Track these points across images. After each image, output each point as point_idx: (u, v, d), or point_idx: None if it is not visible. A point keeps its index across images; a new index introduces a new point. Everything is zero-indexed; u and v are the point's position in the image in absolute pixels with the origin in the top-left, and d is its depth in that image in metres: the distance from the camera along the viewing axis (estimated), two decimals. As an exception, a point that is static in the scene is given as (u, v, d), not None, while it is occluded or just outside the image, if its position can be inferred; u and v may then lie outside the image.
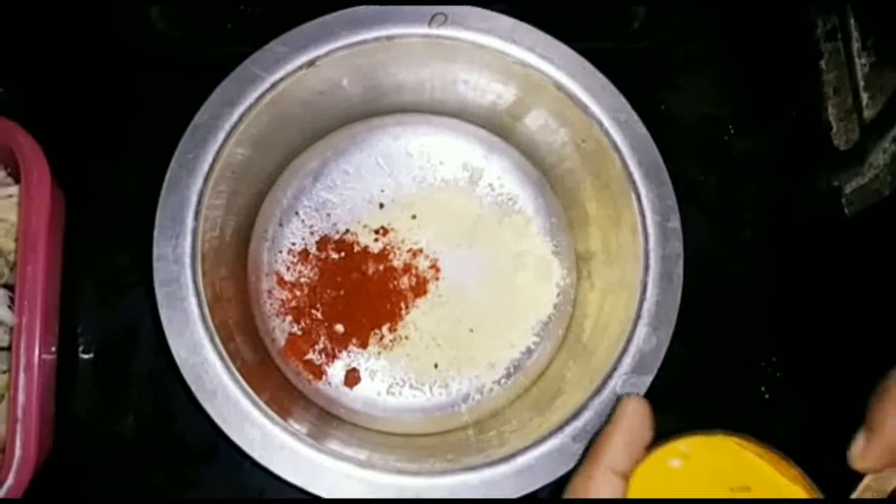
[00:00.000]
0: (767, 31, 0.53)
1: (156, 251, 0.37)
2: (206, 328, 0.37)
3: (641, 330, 0.39)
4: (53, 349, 0.44)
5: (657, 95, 0.52)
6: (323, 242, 0.47)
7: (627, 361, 0.38)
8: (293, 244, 0.47)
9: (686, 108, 0.53)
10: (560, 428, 0.37)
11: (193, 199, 0.38)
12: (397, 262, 0.47)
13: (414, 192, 0.49)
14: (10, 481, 0.38)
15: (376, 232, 0.48)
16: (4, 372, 0.42)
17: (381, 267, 0.47)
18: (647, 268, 0.40)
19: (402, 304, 0.47)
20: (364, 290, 0.47)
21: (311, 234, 0.48)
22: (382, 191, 0.49)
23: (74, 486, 0.45)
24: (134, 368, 0.47)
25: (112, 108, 0.50)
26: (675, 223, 0.40)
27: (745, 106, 0.53)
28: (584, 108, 0.41)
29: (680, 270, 0.40)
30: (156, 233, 0.38)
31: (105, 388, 0.46)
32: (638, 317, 0.39)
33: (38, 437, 0.39)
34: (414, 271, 0.47)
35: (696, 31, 0.54)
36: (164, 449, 0.46)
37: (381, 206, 0.48)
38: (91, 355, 0.47)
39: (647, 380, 0.38)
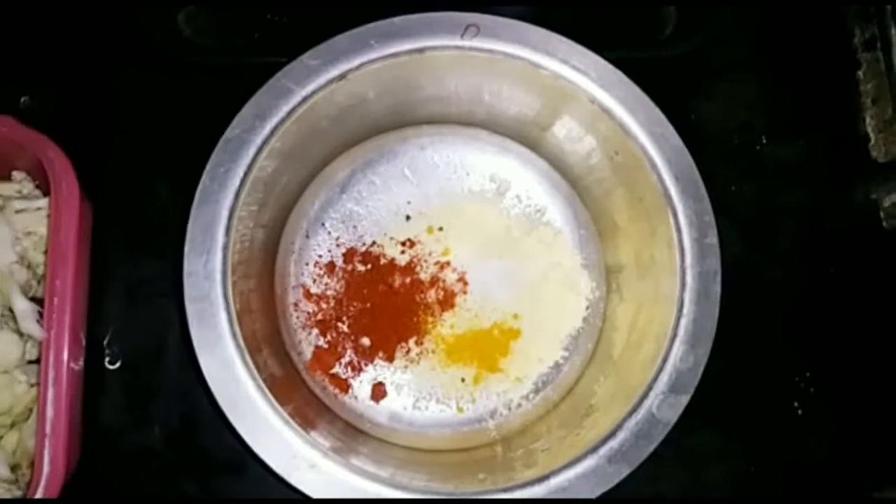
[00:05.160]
0: (803, 40, 0.52)
1: (186, 267, 0.37)
2: (237, 345, 0.37)
3: (679, 348, 0.38)
4: (81, 361, 0.43)
5: (688, 103, 0.51)
6: (349, 255, 0.47)
7: (664, 380, 0.38)
8: (320, 256, 0.47)
9: (718, 115, 0.52)
10: (595, 449, 0.37)
11: (224, 214, 0.38)
12: (424, 275, 0.47)
13: (441, 204, 0.48)
14: (39, 496, 0.38)
15: (403, 244, 0.47)
16: (33, 385, 0.41)
17: (408, 280, 0.47)
18: (683, 284, 0.39)
19: (430, 318, 0.46)
20: (391, 303, 0.46)
21: (338, 246, 0.47)
22: (409, 202, 0.48)
23: (101, 496, 0.45)
24: (161, 379, 0.46)
25: (138, 116, 0.49)
26: (713, 239, 0.39)
27: (780, 114, 0.51)
28: (619, 122, 0.40)
29: (717, 288, 0.39)
30: (186, 248, 0.37)
31: (132, 398, 0.46)
32: (675, 335, 0.38)
33: (67, 452, 0.39)
34: (441, 284, 0.47)
35: (728, 38, 0.53)
36: (191, 461, 0.46)
37: (408, 217, 0.48)
38: (118, 365, 0.46)
39: (685, 399, 0.37)
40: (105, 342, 0.46)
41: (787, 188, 0.51)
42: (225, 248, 0.37)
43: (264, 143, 0.38)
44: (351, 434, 0.45)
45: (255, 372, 0.36)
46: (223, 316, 0.36)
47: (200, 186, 0.38)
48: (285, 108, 0.38)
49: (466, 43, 0.39)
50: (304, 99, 0.39)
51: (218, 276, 0.37)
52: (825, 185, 0.50)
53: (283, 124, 0.38)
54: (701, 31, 0.52)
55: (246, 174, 0.38)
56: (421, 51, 0.40)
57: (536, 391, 0.46)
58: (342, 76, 0.39)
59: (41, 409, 0.38)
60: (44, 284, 0.40)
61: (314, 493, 0.36)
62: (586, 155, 0.46)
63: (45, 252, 0.42)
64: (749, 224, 0.50)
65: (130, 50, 0.50)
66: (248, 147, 0.38)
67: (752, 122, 0.52)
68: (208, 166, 0.38)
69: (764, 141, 0.51)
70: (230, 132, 0.38)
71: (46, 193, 0.43)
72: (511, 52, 0.40)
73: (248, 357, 0.36)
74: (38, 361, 0.41)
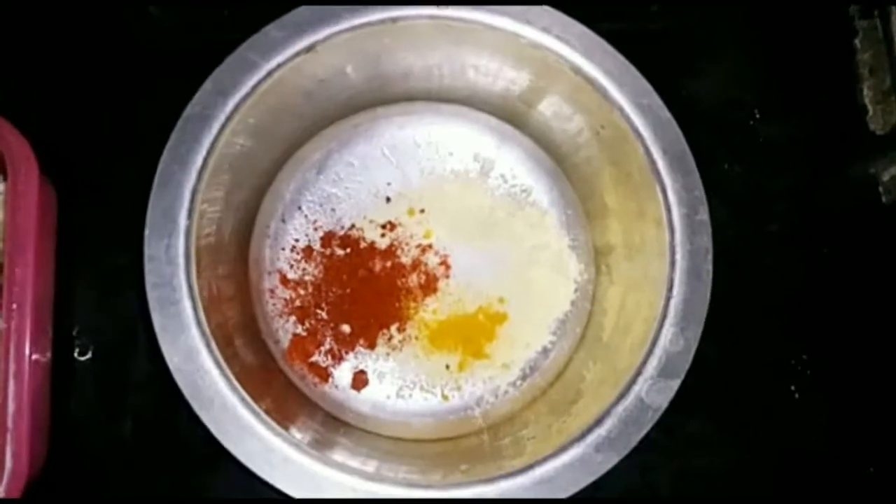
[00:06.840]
0: (796, 8, 0.50)
1: (147, 252, 0.35)
2: (202, 333, 0.35)
3: (668, 330, 0.36)
4: (48, 353, 0.42)
5: (678, 79, 0.50)
6: (327, 238, 0.45)
7: (653, 364, 0.36)
8: (296, 240, 0.45)
9: (709, 91, 0.50)
10: (582, 436, 0.35)
11: (186, 195, 0.36)
12: (405, 259, 0.45)
13: (422, 185, 0.46)
14: (1, 494, 0.36)
15: (383, 227, 0.46)
16: (-5, 378, 0.40)
17: (389, 264, 0.45)
18: (673, 264, 0.37)
19: (412, 303, 0.45)
20: (371, 288, 0.45)
21: (315, 229, 0.46)
22: (389, 184, 0.46)
23: (71, 494, 0.43)
24: (133, 370, 0.44)
25: (105, 99, 0.47)
26: (704, 216, 0.38)
27: (773, 89, 0.49)
28: (604, 93, 0.39)
29: (709, 266, 0.37)
30: (147, 232, 0.35)
31: (103, 391, 0.44)
32: (664, 316, 0.36)
33: (31, 448, 0.37)
34: (423, 268, 0.45)
35: (719, 10, 0.51)
36: (165, 455, 0.44)
37: (388, 199, 0.46)
38: (88, 357, 0.45)
39: (675, 384, 0.36)
40: (74, 333, 0.45)
41: (781, 165, 0.49)
42: (188, 231, 0.35)
43: (228, 119, 0.36)
44: (331, 425, 0.43)
45: (222, 362, 0.35)
46: (187, 303, 0.35)
47: (160, 167, 0.36)
48: (250, 83, 0.36)
49: (441, 12, 0.37)
50: (270, 73, 0.37)
51: (181, 261, 0.35)
52: (821, 160, 0.49)
53: (247, 100, 0.36)
54: (690, 3, 0.50)
55: (209, 153, 0.36)
56: (394, 20, 0.37)
57: (524, 377, 0.45)
58: (310, 48, 0.37)
59: (2, 404, 0.37)
60: (3, 274, 0.38)
61: (287, 488, 0.34)
62: (574, 133, 0.44)
63: (4, 240, 0.40)
64: (743, 203, 0.48)
65: (95, 31, 0.48)
66: (209, 124, 0.36)
67: (744, 97, 0.50)
68: (168, 146, 0.36)
69: (757, 116, 0.49)
70: (190, 109, 0.36)
71: (6, 178, 0.41)
72: (489, 22, 0.38)
73: (214, 346, 0.35)
74: (0, 354, 0.39)
